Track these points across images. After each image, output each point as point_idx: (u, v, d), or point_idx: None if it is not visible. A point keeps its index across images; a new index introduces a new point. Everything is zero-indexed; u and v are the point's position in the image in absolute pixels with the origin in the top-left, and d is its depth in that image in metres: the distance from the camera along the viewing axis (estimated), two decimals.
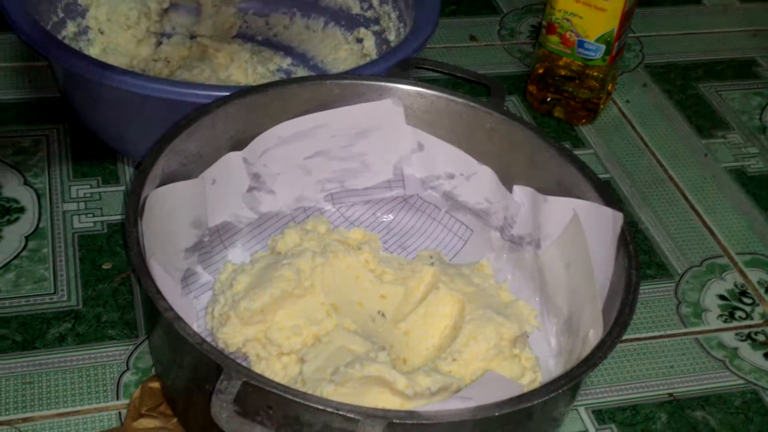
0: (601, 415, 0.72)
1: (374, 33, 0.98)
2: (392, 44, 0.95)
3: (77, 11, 0.92)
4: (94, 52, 0.93)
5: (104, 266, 0.78)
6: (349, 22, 1.00)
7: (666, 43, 1.13)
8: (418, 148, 0.77)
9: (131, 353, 0.72)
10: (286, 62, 1.00)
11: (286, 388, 0.54)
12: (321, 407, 0.54)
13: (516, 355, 0.68)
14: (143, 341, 0.72)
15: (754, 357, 0.78)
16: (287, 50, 1.01)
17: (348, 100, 0.76)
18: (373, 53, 0.97)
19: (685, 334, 0.79)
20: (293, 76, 0.98)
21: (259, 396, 0.55)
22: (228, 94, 0.73)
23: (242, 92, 0.73)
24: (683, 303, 0.82)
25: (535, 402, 0.56)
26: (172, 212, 0.68)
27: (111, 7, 0.93)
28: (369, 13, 0.98)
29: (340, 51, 1.00)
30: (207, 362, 0.56)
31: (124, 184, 0.85)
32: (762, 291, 0.83)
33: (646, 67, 1.09)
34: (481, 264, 0.76)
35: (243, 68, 0.95)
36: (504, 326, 0.68)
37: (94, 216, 0.82)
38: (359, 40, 0.99)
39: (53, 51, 0.77)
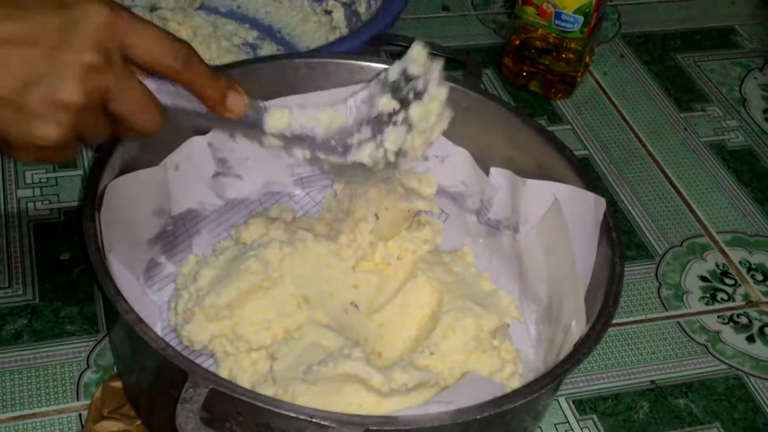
0: (582, 405, 0.70)
1: (343, 4, 0.94)
2: (362, 17, 0.91)
3: None
4: None
5: (62, 257, 0.74)
6: None
7: (643, 12, 1.10)
8: None
9: (92, 350, 0.68)
10: (251, 36, 0.96)
11: (255, 395, 0.51)
12: (293, 414, 0.51)
13: (496, 348, 0.66)
14: (104, 337, 0.69)
15: (737, 341, 0.76)
16: (253, 23, 0.97)
17: (317, 79, 0.72)
18: (343, 26, 0.93)
19: (666, 318, 0.77)
20: (260, 50, 0.94)
21: (228, 403, 0.52)
22: None
23: None
24: (664, 285, 0.79)
25: (518, 403, 0.54)
26: (133, 202, 0.64)
27: None
28: None
29: (308, 23, 0.96)
30: (171, 367, 0.53)
31: (81, 168, 0.81)
32: (744, 271, 0.81)
33: (624, 37, 1.06)
34: (463, 251, 0.73)
35: (206, 43, 0.91)
36: (483, 317, 0.66)
37: (50, 203, 0.78)
38: (327, 12, 0.95)
39: None
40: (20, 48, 0.47)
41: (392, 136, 0.61)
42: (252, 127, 0.59)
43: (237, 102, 0.56)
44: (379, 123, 0.61)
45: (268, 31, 0.96)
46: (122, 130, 0.53)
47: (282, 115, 0.59)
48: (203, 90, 0.55)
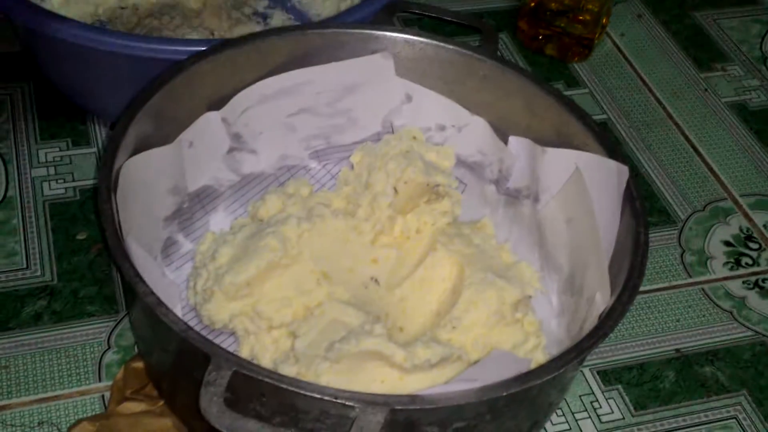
0: (606, 376, 0.69)
1: None
2: None
3: None
4: (55, 1, 0.87)
5: (79, 236, 0.73)
6: None
7: None
8: (406, 100, 0.73)
9: (112, 330, 0.68)
10: (262, 4, 0.94)
11: (279, 377, 0.51)
12: (318, 395, 0.50)
13: (518, 320, 0.65)
14: (124, 317, 0.69)
15: (763, 306, 0.75)
16: None
17: (330, 50, 0.71)
18: None
19: (690, 284, 0.76)
20: (270, 19, 0.93)
21: (252, 385, 0.51)
22: (201, 49, 0.67)
23: (217, 47, 0.68)
24: (687, 251, 0.78)
25: (544, 378, 0.53)
26: (148, 181, 0.64)
27: None
28: None
29: None
30: (193, 350, 0.52)
31: (95, 146, 0.80)
32: None
33: None
34: (482, 222, 0.72)
35: (217, 14, 0.89)
36: (505, 290, 0.65)
37: (65, 182, 0.77)
38: None
39: (4, 2, 0.71)
40: None
41: None
42: None
43: None
44: None
45: (278, 0, 0.95)
46: None
47: None
48: None
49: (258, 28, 0.91)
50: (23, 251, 0.72)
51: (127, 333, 0.68)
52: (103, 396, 0.64)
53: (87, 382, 0.65)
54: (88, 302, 0.69)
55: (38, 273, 0.71)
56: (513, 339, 0.64)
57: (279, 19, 0.93)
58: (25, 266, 0.71)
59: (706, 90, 0.93)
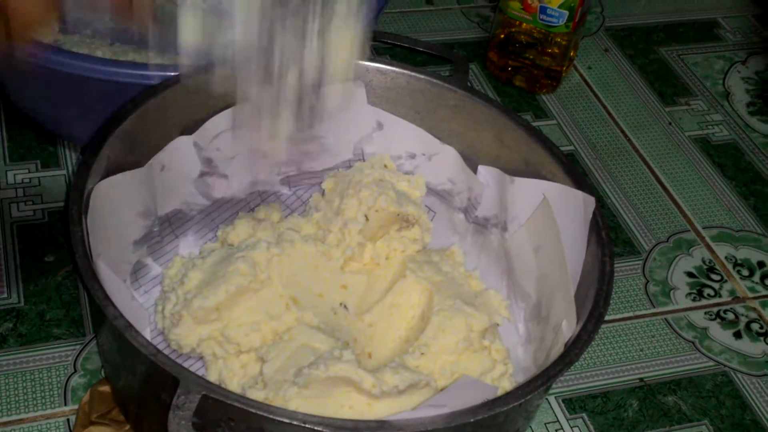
0: (571, 404, 0.70)
1: None
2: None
3: None
4: None
5: (46, 259, 0.73)
6: None
7: (627, 4, 1.10)
8: (377, 127, 0.74)
9: (78, 354, 0.67)
10: None
11: (248, 401, 0.51)
12: (286, 420, 0.51)
13: (486, 347, 0.66)
14: (91, 340, 0.68)
15: (724, 337, 0.76)
16: None
17: None
18: None
19: (654, 314, 0.77)
20: None
21: (220, 408, 0.51)
22: (173, 73, 0.68)
23: (190, 72, 0.68)
24: (651, 281, 0.80)
25: (511, 405, 0.54)
26: (119, 204, 0.64)
27: None
28: None
29: None
30: (162, 373, 0.52)
31: (64, 168, 0.80)
32: (730, 267, 0.82)
33: (607, 30, 1.06)
34: (452, 250, 0.72)
35: None
36: (473, 317, 0.65)
37: (33, 204, 0.77)
38: None
39: None
40: None
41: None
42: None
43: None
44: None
45: None
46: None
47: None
48: None
49: None
50: None
51: (93, 356, 0.67)
52: (68, 420, 0.64)
53: (52, 405, 0.64)
54: (54, 325, 0.69)
55: (5, 295, 0.70)
56: (481, 366, 0.65)
57: None
58: None
59: (670, 123, 0.95)
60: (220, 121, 0.69)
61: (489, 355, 0.65)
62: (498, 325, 0.68)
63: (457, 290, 0.68)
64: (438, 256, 0.71)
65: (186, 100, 0.68)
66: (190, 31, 0.53)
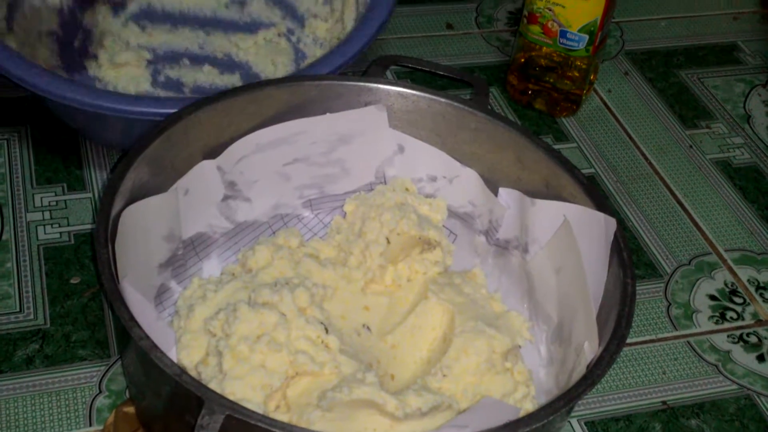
0: (594, 427, 0.70)
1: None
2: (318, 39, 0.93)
3: None
4: None
5: (72, 281, 0.74)
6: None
7: (646, 29, 1.11)
8: (399, 151, 0.74)
9: (103, 375, 0.68)
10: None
11: (272, 421, 0.51)
12: None
13: (508, 369, 0.66)
14: (116, 361, 0.69)
15: (747, 360, 0.76)
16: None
17: (326, 101, 0.72)
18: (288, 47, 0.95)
19: (676, 337, 0.77)
20: (249, 7, 0.96)
21: (244, 429, 0.52)
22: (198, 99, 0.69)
23: (214, 97, 0.69)
24: (673, 304, 0.79)
25: (533, 426, 0.54)
26: (145, 228, 0.64)
27: None
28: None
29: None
30: (187, 394, 0.53)
31: (90, 191, 0.81)
32: (752, 290, 0.82)
33: (627, 54, 1.07)
34: (473, 272, 0.73)
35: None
36: (495, 339, 0.66)
37: (60, 226, 0.78)
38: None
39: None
40: None
41: None
42: None
43: None
44: None
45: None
46: None
47: None
48: None
49: None
50: (17, 295, 0.72)
51: (118, 378, 0.68)
52: None
53: (78, 426, 0.65)
54: (80, 346, 0.70)
55: (31, 317, 0.71)
56: (503, 388, 0.65)
57: (258, 4, 0.96)
58: (18, 309, 0.72)
59: (691, 147, 0.95)
60: (243, 145, 0.70)
61: (511, 377, 0.65)
62: (520, 346, 0.68)
63: (479, 312, 0.68)
64: (460, 278, 0.71)
65: (209, 125, 0.69)
66: None
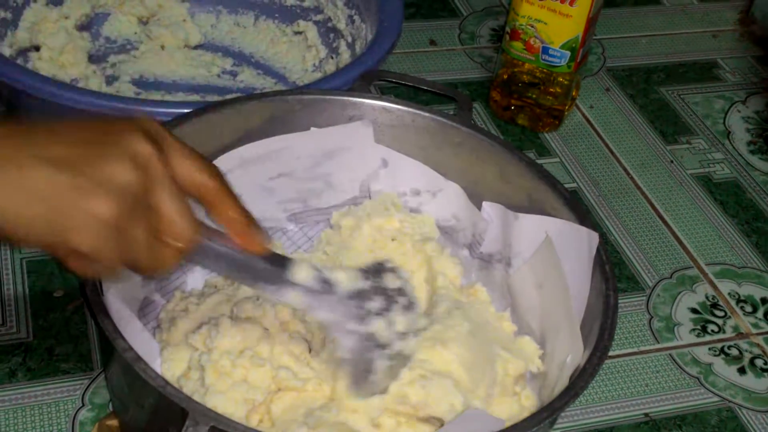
0: None
1: (316, 23, 0.95)
2: (344, 33, 0.92)
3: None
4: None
5: (55, 294, 0.74)
6: (283, 14, 0.97)
7: (627, 46, 1.12)
8: (383, 165, 0.75)
9: (86, 388, 0.68)
10: (228, 63, 0.97)
11: None
12: None
13: (517, 393, 0.65)
14: (99, 375, 0.69)
15: (729, 372, 0.76)
16: (224, 50, 0.98)
17: (310, 115, 0.73)
18: (318, 43, 0.95)
19: (658, 350, 0.78)
20: (239, 75, 0.96)
21: None
22: (183, 111, 0.69)
23: (199, 110, 0.70)
24: (655, 317, 0.80)
25: None
26: None
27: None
28: (307, 3, 0.95)
29: (279, 45, 0.97)
30: (171, 405, 0.53)
31: None
32: (733, 303, 0.82)
33: (609, 70, 1.08)
34: (475, 289, 0.72)
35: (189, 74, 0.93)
36: (510, 363, 0.65)
37: None
38: (298, 33, 0.96)
39: None
40: (60, 167, 0.46)
41: (403, 320, 0.62)
42: (275, 276, 0.57)
43: (259, 235, 0.56)
44: (387, 297, 0.62)
45: (242, 57, 0.97)
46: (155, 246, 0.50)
47: (306, 266, 0.58)
48: (230, 212, 0.55)
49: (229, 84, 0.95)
50: None
51: (101, 391, 0.68)
52: None
53: None
54: (63, 360, 0.69)
55: (14, 330, 0.71)
56: (509, 411, 0.64)
57: (248, 74, 0.96)
58: (1, 323, 0.71)
59: (672, 162, 0.96)
60: (227, 160, 0.70)
61: (519, 402, 0.65)
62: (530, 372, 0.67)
63: (492, 335, 0.68)
64: (464, 296, 0.71)
65: (194, 138, 0.69)
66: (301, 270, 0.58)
